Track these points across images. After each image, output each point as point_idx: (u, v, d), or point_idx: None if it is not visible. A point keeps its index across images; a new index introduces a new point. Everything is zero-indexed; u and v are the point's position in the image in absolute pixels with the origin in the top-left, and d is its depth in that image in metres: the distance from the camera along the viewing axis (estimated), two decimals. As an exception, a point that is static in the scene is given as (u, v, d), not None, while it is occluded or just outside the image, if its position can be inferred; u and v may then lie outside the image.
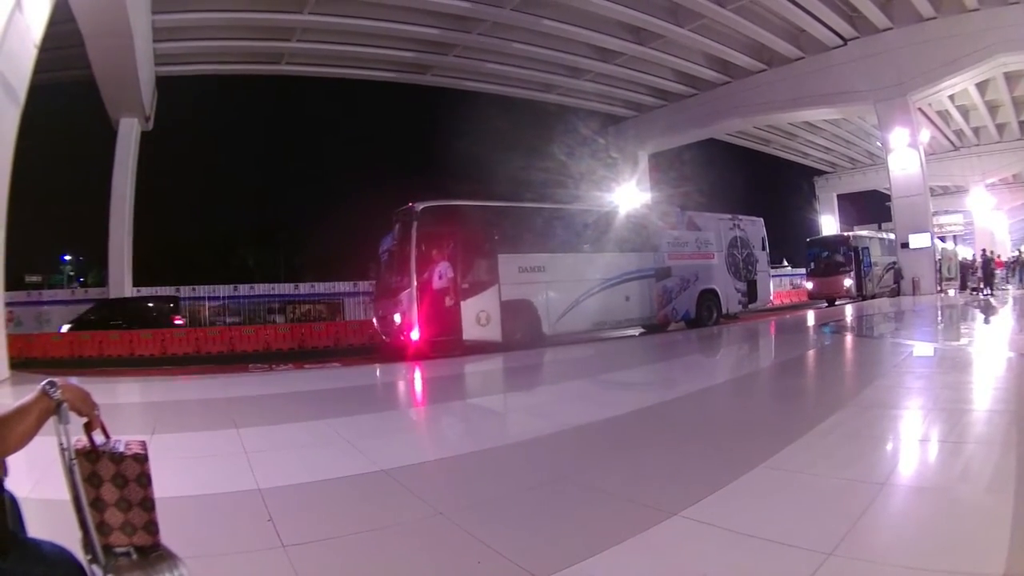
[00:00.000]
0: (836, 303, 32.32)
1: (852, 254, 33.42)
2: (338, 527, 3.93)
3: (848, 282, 32.90)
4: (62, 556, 1.71)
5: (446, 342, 15.68)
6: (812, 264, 35.65)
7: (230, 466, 5.44)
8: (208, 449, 6.22)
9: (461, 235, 16.21)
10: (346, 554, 3.53)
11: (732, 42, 32.35)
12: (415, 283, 15.30)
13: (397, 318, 15.70)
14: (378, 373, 13.03)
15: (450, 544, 3.60)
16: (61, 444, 1.73)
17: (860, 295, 33.03)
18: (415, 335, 15.23)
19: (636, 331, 20.42)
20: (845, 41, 31.73)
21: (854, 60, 31.54)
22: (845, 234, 38.52)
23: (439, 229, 16.10)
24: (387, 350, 16.58)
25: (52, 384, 1.71)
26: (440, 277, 15.66)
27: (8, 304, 14.76)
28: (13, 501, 1.74)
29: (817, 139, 48.06)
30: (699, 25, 30.06)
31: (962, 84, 32.59)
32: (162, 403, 9.96)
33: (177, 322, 24.46)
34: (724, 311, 22.19)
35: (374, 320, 18.16)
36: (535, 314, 16.94)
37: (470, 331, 15.61)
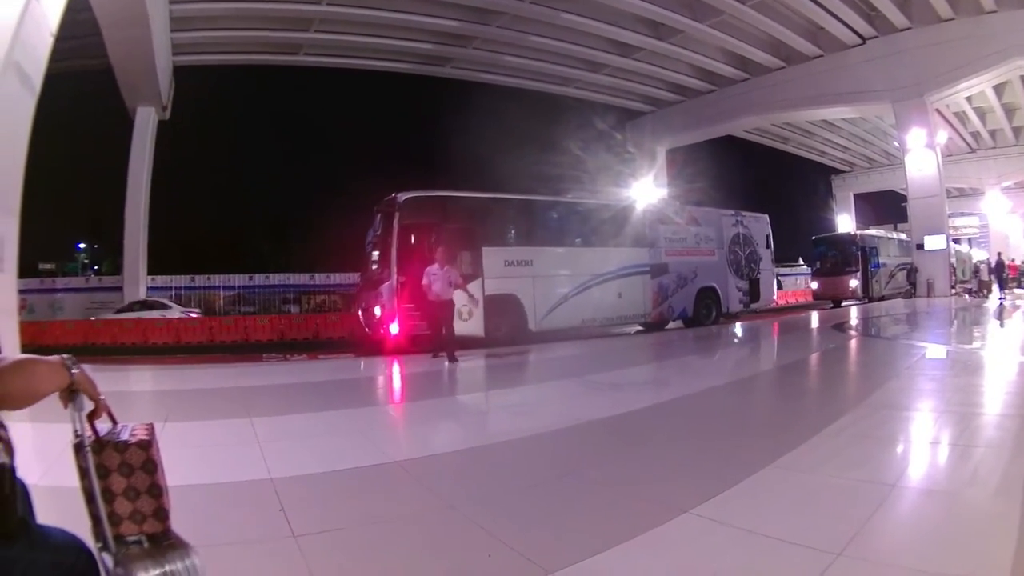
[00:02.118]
0: (843, 304, 31.87)
1: (859, 254, 33.01)
2: (349, 518, 3.95)
3: (854, 283, 32.49)
4: (71, 543, 1.70)
5: (424, 337, 15.22)
6: (818, 263, 35.11)
7: (243, 455, 5.45)
8: (221, 438, 6.25)
9: (445, 227, 15.71)
10: (357, 545, 3.55)
11: (751, 39, 32.27)
12: (395, 276, 15.03)
13: (377, 311, 15.47)
14: (391, 366, 13.00)
15: (461, 537, 3.62)
16: (76, 431, 1.73)
17: (866, 296, 32.61)
18: (394, 329, 15.04)
19: (631, 329, 20.24)
20: (864, 40, 31.61)
21: (872, 59, 31.43)
22: (852, 232, 37.96)
23: (422, 221, 15.74)
24: (368, 343, 16.37)
25: (72, 360, 1.71)
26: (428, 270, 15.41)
27: (21, 292, 14.84)
28: (23, 488, 1.71)
29: (835, 138, 47.88)
30: (718, 21, 30.00)
31: (979, 86, 32.51)
32: (175, 391, 10.00)
33: None
34: (724, 310, 21.84)
35: (359, 312, 17.71)
36: (520, 309, 16.64)
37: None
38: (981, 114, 40.61)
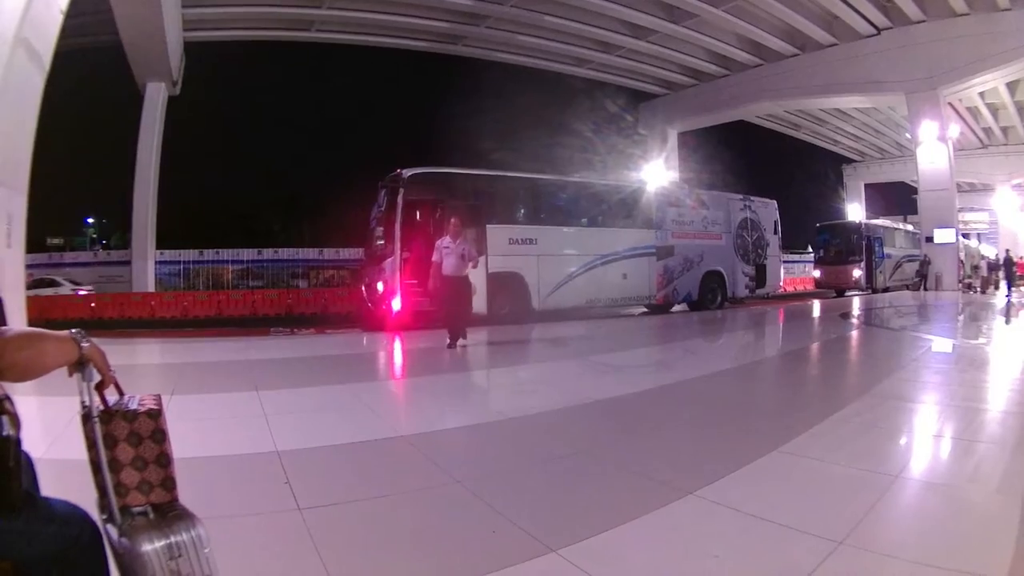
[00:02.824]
0: (845, 294, 31.49)
1: (864, 243, 32.59)
2: (355, 491, 3.98)
3: (857, 273, 32.10)
4: (75, 514, 1.72)
5: (428, 313, 15.20)
6: (821, 251, 34.66)
7: (249, 428, 5.48)
8: (228, 411, 6.28)
9: (449, 204, 15.64)
10: (361, 518, 3.57)
11: (766, 24, 32.05)
12: (399, 252, 15.03)
13: (380, 286, 15.47)
14: (397, 341, 13.00)
15: (466, 512, 3.64)
16: (83, 402, 1.74)
17: (870, 287, 32.25)
18: (396, 304, 15.03)
19: (636, 311, 20.20)
20: (878, 30, 31.38)
21: (886, 50, 31.23)
22: (857, 221, 37.24)
23: (426, 197, 15.88)
24: (370, 318, 16.40)
25: (82, 334, 1.73)
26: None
27: (29, 266, 14.90)
28: (28, 460, 1.75)
29: (847, 127, 47.64)
30: (733, 6, 29.79)
31: (992, 82, 32.40)
32: (182, 364, 10.06)
33: None
34: (730, 295, 21.84)
35: (362, 288, 17.73)
36: (524, 288, 16.62)
37: None
38: (993, 110, 40.40)
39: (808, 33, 32.54)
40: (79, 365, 1.71)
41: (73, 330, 1.74)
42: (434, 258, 11.56)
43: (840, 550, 2.97)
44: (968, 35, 28.96)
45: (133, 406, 1.86)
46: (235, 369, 9.44)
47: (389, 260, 15.16)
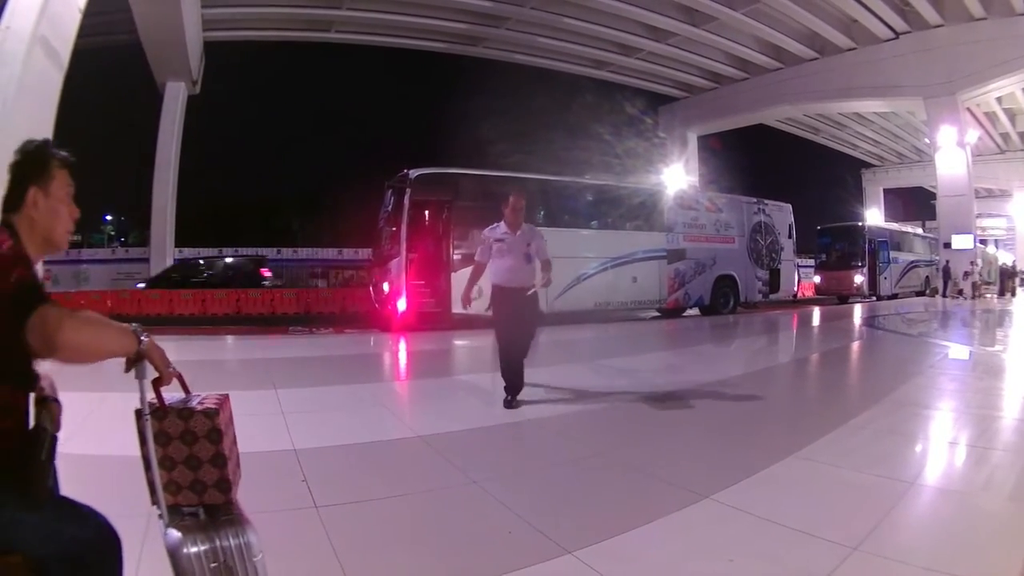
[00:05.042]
0: (848, 301, 30.47)
1: (866, 247, 31.30)
2: (371, 490, 4.01)
3: (859, 278, 30.90)
4: (93, 518, 1.73)
5: (434, 314, 15.36)
6: (823, 256, 33.38)
7: (267, 426, 5.52)
8: (245, 408, 6.26)
9: (455, 204, 15.75)
10: (377, 517, 3.60)
11: (785, 28, 31.94)
12: (405, 252, 15.02)
13: (386, 287, 15.50)
14: (418, 341, 12.98)
15: (483, 513, 3.67)
16: (142, 398, 1.78)
17: (873, 294, 31.33)
18: (402, 305, 15.02)
19: (647, 315, 20.09)
20: (897, 34, 31.19)
21: (905, 54, 31.02)
22: (860, 224, 35.20)
23: (433, 197, 15.87)
24: (376, 318, 16.43)
25: (141, 329, 1.74)
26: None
27: (46, 263, 15.00)
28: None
29: (866, 131, 47.24)
30: (752, 9, 29.70)
31: (1010, 87, 32.07)
32: (201, 361, 10.06)
33: None
34: (743, 299, 21.57)
35: (370, 288, 17.73)
36: None
37: (459, 304, 14.77)
38: (1011, 116, 40.02)
39: (827, 37, 32.40)
40: (135, 360, 1.73)
41: (134, 324, 1.74)
42: (477, 256, 7.70)
43: (855, 556, 2.98)
44: (986, 39, 28.75)
45: (193, 404, 1.88)
46: (254, 367, 9.50)
47: (395, 260, 15.18)
